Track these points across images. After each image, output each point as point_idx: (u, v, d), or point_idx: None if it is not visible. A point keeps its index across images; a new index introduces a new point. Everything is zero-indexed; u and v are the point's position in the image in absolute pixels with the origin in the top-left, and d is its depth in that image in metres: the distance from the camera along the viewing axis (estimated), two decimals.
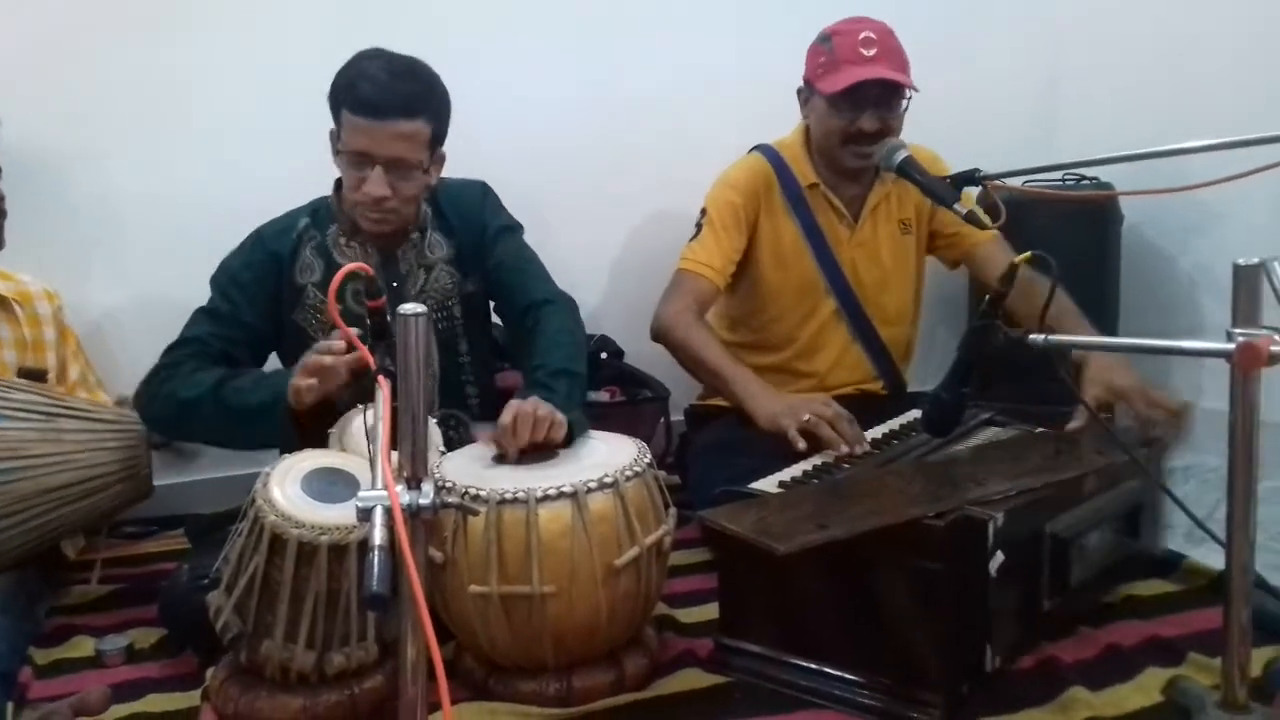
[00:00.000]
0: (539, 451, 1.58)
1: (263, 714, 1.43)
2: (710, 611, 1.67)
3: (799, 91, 2.15)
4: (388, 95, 1.71)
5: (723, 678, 1.53)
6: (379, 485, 0.91)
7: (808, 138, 2.17)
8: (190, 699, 1.53)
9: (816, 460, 1.74)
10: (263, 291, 1.85)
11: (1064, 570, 1.52)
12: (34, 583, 1.85)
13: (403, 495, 0.92)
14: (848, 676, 1.46)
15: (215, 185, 2.31)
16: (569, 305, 1.91)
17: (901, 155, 1.77)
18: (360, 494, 0.91)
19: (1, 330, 2.03)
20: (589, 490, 1.44)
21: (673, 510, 1.57)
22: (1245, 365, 1.19)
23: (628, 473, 1.48)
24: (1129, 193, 2.35)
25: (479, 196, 1.99)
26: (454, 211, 1.94)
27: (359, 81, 1.72)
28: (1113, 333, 2.53)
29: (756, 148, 2.23)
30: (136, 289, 2.35)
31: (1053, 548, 1.51)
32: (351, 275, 1.06)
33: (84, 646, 1.70)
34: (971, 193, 1.69)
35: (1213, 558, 1.72)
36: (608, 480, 1.45)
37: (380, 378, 1.00)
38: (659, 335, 2.10)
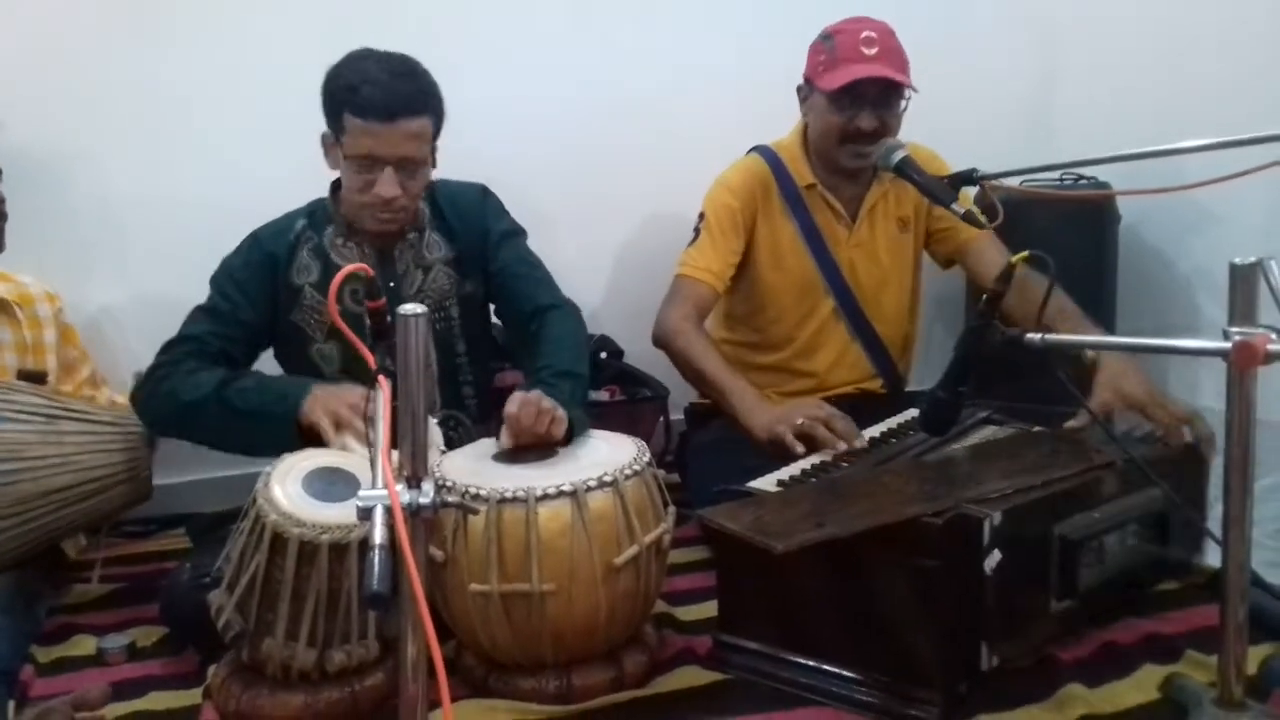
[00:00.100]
0: (539, 449, 1.58)
1: (264, 712, 1.44)
2: (709, 609, 1.67)
3: (799, 89, 2.15)
4: (393, 96, 1.71)
5: (721, 675, 1.54)
6: (379, 484, 0.91)
7: (805, 138, 2.17)
8: (192, 697, 1.54)
9: (815, 459, 1.75)
10: (260, 291, 1.86)
11: (1073, 573, 1.52)
12: (35, 582, 1.85)
13: (403, 494, 0.92)
14: (846, 674, 1.46)
15: (215, 186, 2.32)
16: (573, 311, 1.92)
17: (899, 155, 1.78)
18: (361, 493, 0.91)
19: (2, 333, 2.03)
20: (588, 489, 1.44)
21: (672, 509, 1.58)
22: (1242, 364, 1.19)
23: (627, 471, 1.49)
24: (1126, 192, 2.36)
25: (479, 199, 1.99)
26: (454, 213, 1.95)
27: (361, 85, 1.71)
28: (1110, 332, 2.52)
29: (754, 149, 2.23)
30: (137, 290, 2.35)
31: (1061, 550, 1.51)
32: (348, 276, 1.06)
33: (86, 645, 1.71)
34: (969, 192, 1.70)
35: (1210, 555, 1.73)
36: (607, 479, 1.46)
37: (380, 377, 1.01)
38: (660, 343, 2.12)
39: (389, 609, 0.91)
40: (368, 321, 1.16)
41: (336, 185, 1.90)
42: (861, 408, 1.96)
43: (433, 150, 1.83)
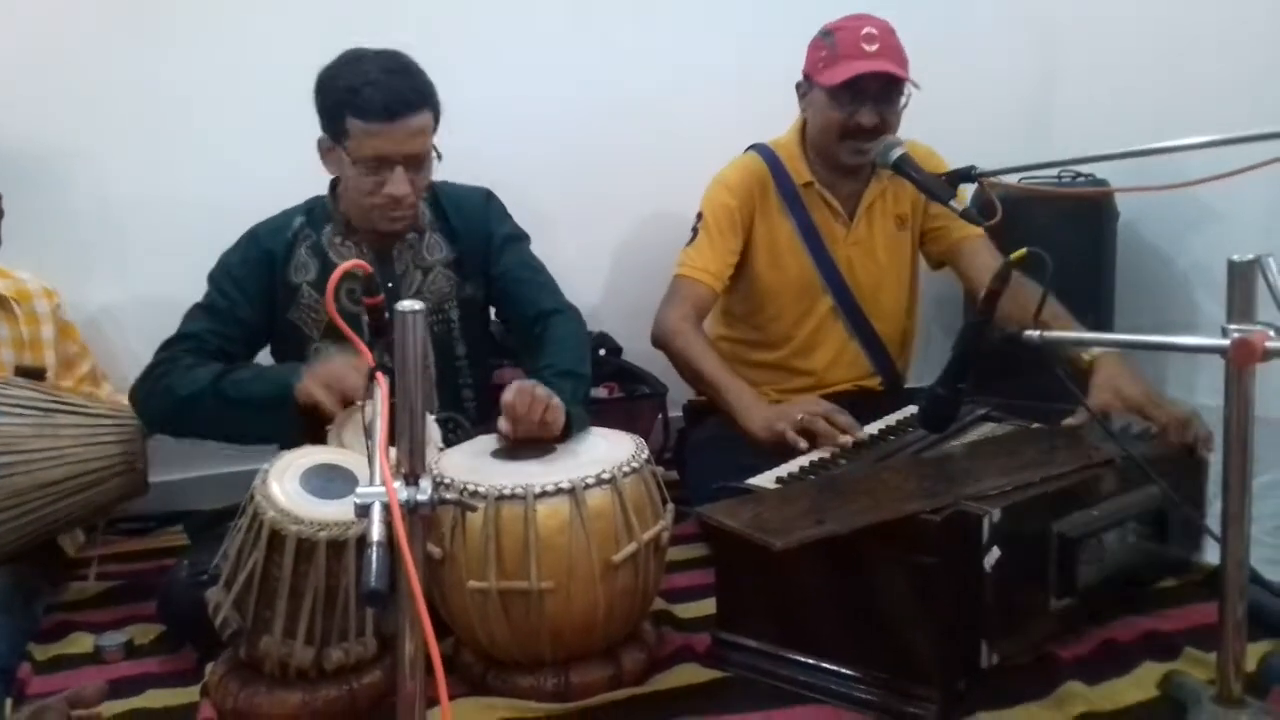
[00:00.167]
0: (537, 445, 1.58)
1: (262, 709, 1.44)
2: (708, 607, 1.67)
3: (798, 86, 2.15)
4: (394, 95, 1.71)
5: (720, 672, 1.54)
6: (377, 481, 0.91)
7: (803, 136, 2.17)
8: (190, 694, 1.54)
9: (813, 456, 1.75)
10: (258, 289, 1.86)
11: (1072, 570, 1.52)
12: (33, 579, 1.85)
13: (401, 491, 0.92)
14: (844, 671, 1.46)
15: (215, 186, 2.31)
16: (576, 315, 1.93)
17: (898, 152, 1.78)
18: (358, 490, 0.91)
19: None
20: (587, 486, 1.44)
21: (670, 506, 1.58)
22: (1240, 360, 1.19)
23: (625, 469, 1.49)
24: (1125, 189, 2.37)
25: (482, 202, 1.99)
26: (457, 215, 1.95)
27: (361, 87, 1.70)
28: (1108, 329, 2.53)
29: (752, 147, 2.23)
30: (136, 289, 2.35)
31: (1060, 547, 1.51)
32: (346, 274, 1.06)
33: (83, 643, 1.71)
34: (967, 190, 1.70)
35: (1209, 553, 1.73)
36: (606, 476, 1.46)
37: (378, 374, 1.01)
38: (659, 343, 2.12)
39: (387, 606, 0.91)
40: (365, 320, 1.16)
41: (335, 184, 1.90)
42: (860, 405, 1.96)
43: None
